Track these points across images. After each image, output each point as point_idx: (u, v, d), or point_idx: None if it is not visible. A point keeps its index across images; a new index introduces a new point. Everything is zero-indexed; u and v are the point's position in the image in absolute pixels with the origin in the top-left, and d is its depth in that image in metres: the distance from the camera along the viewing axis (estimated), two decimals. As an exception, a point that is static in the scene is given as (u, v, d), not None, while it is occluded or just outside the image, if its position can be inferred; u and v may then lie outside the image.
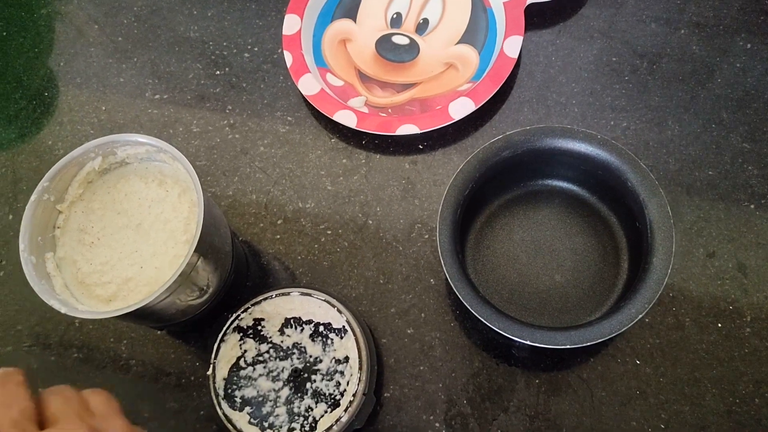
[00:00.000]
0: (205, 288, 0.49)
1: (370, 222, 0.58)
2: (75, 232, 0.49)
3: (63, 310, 0.43)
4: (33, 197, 0.47)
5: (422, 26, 0.65)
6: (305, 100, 0.63)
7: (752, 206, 0.55)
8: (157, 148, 0.48)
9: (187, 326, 0.54)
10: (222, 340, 0.50)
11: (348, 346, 0.49)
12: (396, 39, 0.65)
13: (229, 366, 0.50)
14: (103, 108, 0.67)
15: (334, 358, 0.49)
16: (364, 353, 0.49)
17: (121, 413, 0.36)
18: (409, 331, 0.54)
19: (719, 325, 0.51)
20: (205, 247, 0.46)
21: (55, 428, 0.32)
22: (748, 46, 0.61)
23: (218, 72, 0.67)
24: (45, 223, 0.48)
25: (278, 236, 0.59)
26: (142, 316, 0.46)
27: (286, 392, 0.49)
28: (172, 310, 0.48)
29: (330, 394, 0.48)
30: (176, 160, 0.47)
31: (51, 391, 0.34)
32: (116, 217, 0.50)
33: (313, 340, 0.50)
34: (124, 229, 0.49)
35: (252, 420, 0.48)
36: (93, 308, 0.47)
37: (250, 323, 0.51)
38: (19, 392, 0.33)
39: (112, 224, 0.50)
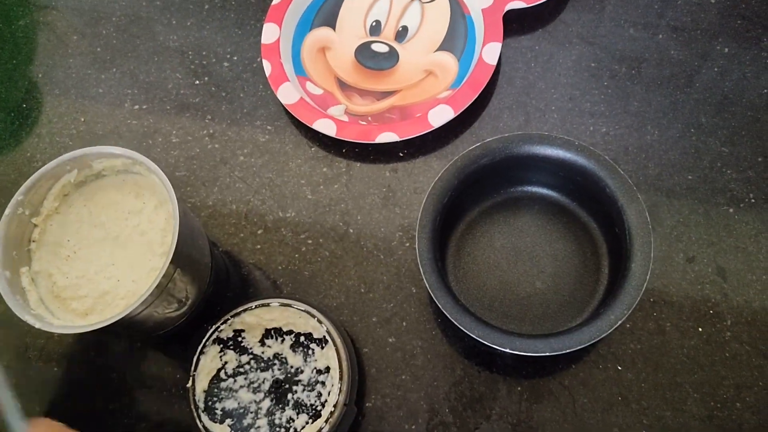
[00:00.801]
0: (183, 300, 0.49)
1: (351, 231, 0.58)
2: (51, 246, 0.49)
3: (37, 326, 0.43)
4: (7, 211, 0.47)
5: (401, 34, 0.65)
6: (285, 109, 0.62)
7: (731, 210, 0.55)
8: (132, 160, 0.48)
9: (167, 338, 0.54)
10: (202, 352, 0.50)
11: (329, 356, 0.49)
12: (375, 47, 0.65)
13: (210, 378, 0.49)
14: (83, 119, 0.66)
15: (315, 368, 0.49)
16: (344, 363, 0.49)
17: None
18: (390, 340, 0.54)
19: (700, 329, 0.52)
20: (182, 259, 0.45)
21: None
22: (726, 50, 0.62)
23: (198, 81, 0.67)
24: (20, 237, 0.48)
25: (259, 246, 0.58)
26: (119, 329, 0.46)
27: (267, 403, 0.48)
28: (150, 322, 0.48)
29: (311, 405, 0.48)
30: (152, 172, 0.47)
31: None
32: (93, 229, 0.49)
33: (293, 351, 0.50)
34: (101, 242, 0.49)
35: (232, 432, 0.48)
36: (69, 322, 0.47)
37: (231, 334, 0.50)
38: None
39: (89, 237, 0.49)
